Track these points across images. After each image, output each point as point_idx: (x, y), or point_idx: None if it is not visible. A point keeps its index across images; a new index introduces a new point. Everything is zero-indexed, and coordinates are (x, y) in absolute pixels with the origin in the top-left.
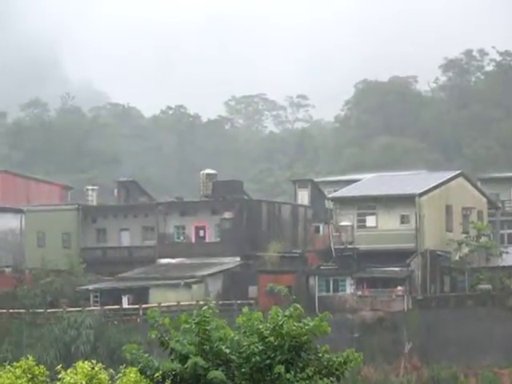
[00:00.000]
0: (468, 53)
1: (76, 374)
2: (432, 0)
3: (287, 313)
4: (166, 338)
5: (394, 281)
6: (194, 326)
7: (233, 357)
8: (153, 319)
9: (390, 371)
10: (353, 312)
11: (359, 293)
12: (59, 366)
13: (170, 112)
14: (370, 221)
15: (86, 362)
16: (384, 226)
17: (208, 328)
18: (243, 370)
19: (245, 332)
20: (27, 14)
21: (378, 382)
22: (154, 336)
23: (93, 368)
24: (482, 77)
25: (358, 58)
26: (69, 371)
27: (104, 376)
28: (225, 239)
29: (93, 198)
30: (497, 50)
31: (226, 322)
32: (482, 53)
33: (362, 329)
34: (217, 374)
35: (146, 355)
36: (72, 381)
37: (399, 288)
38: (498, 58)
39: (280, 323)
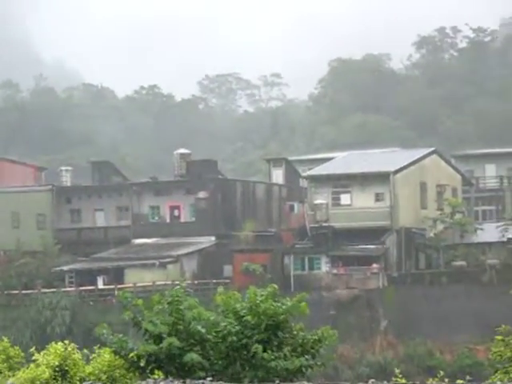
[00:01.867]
0: (441, 30)
1: (49, 355)
2: None
3: (264, 292)
4: (140, 319)
5: (369, 258)
6: (166, 306)
7: (209, 336)
8: (125, 299)
9: (366, 349)
10: (328, 290)
11: (334, 271)
12: (33, 348)
13: (144, 92)
14: (345, 199)
15: (60, 343)
16: (359, 204)
17: (181, 308)
18: (219, 349)
19: (222, 311)
20: None
21: (354, 359)
22: (127, 317)
23: (66, 349)
24: (456, 54)
25: (331, 37)
26: (42, 353)
27: (77, 356)
28: (199, 219)
29: (67, 179)
30: (470, 26)
31: (197, 300)
32: (455, 30)
33: (337, 307)
34: (193, 356)
35: (120, 336)
36: (45, 362)
37: (374, 265)
38: (471, 35)
39: (257, 303)
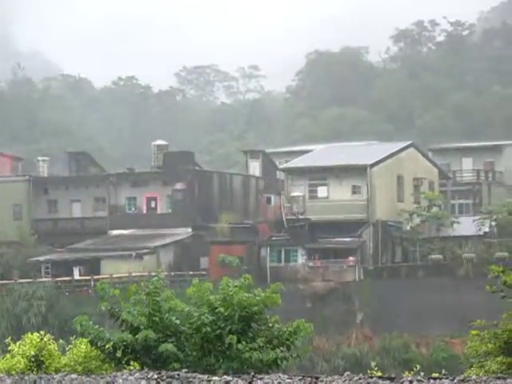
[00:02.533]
0: (419, 23)
1: (25, 345)
2: None
3: (237, 283)
4: (117, 310)
5: (345, 251)
6: (144, 298)
7: (183, 328)
8: (103, 291)
9: (342, 341)
10: (304, 282)
11: (311, 263)
12: (9, 338)
13: (121, 83)
14: (322, 191)
15: (35, 334)
16: (335, 197)
17: (158, 299)
18: (193, 340)
19: (195, 303)
20: None
21: (330, 352)
22: (104, 308)
23: (41, 339)
24: (434, 47)
25: (309, 29)
26: (18, 343)
27: (53, 347)
28: (176, 210)
29: (44, 169)
30: (448, 20)
31: (174, 292)
32: (433, 23)
33: (313, 299)
34: (168, 347)
35: (97, 327)
36: (21, 352)
37: (351, 258)
38: (449, 29)
39: (230, 294)
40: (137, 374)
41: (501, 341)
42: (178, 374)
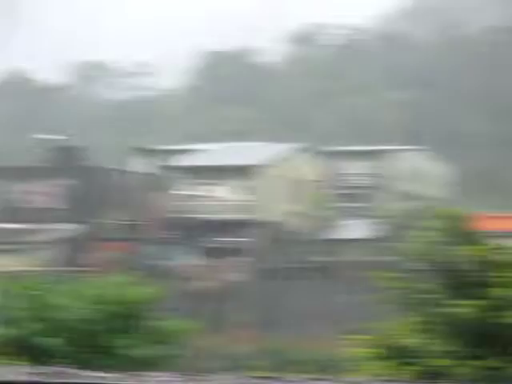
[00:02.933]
0: (314, 26)
1: None
2: None
3: (120, 280)
4: None
5: (233, 251)
6: (25, 292)
7: (63, 323)
8: None
9: (226, 341)
10: (190, 281)
11: (197, 262)
12: None
13: (6, 76)
14: (210, 190)
15: None
16: (224, 196)
17: (39, 294)
18: (72, 336)
19: (77, 299)
20: None
21: (213, 351)
22: None
23: None
24: (327, 50)
25: (203, 28)
26: None
27: None
28: (62, 205)
29: None
30: (343, 23)
31: (57, 288)
32: (329, 26)
33: (200, 298)
34: (55, 341)
35: None
36: None
37: (237, 258)
38: (344, 32)
39: (111, 290)
40: (21, 369)
41: (384, 345)
42: (57, 369)
